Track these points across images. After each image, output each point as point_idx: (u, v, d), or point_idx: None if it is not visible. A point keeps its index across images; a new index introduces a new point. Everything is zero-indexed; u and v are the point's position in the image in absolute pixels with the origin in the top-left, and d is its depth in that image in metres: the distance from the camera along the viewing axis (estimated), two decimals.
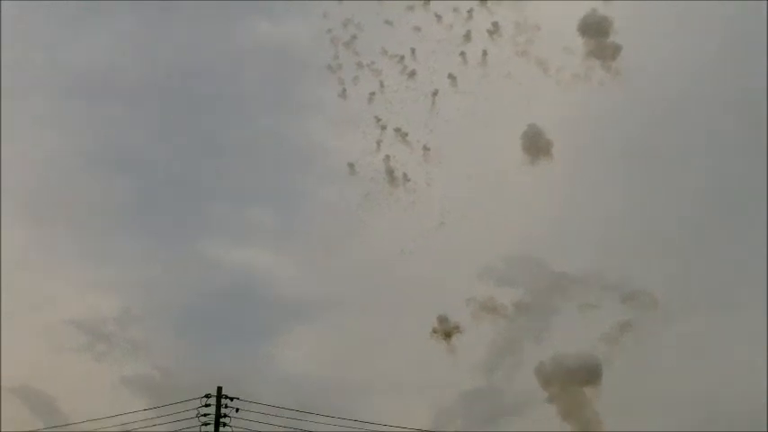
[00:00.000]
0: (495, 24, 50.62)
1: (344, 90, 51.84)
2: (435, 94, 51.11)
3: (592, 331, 47.13)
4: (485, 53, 50.70)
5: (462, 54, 50.90)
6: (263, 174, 63.75)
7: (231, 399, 36.50)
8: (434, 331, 48.95)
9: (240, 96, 64.47)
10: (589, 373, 46.36)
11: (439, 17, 50.91)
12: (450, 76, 51.03)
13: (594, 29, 49.96)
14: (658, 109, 54.01)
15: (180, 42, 64.49)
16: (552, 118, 50.26)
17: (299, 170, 62.36)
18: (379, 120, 51.69)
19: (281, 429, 36.60)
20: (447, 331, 48.88)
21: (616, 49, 49.36)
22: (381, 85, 51.54)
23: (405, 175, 51.51)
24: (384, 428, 36.92)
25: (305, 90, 60.81)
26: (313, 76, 57.30)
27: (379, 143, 51.63)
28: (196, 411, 36.35)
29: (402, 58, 51.50)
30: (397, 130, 51.80)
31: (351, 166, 51.93)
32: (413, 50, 51.18)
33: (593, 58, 49.56)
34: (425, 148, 51.46)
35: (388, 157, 51.52)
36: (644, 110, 53.79)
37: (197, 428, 36.30)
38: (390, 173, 51.46)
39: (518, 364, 48.21)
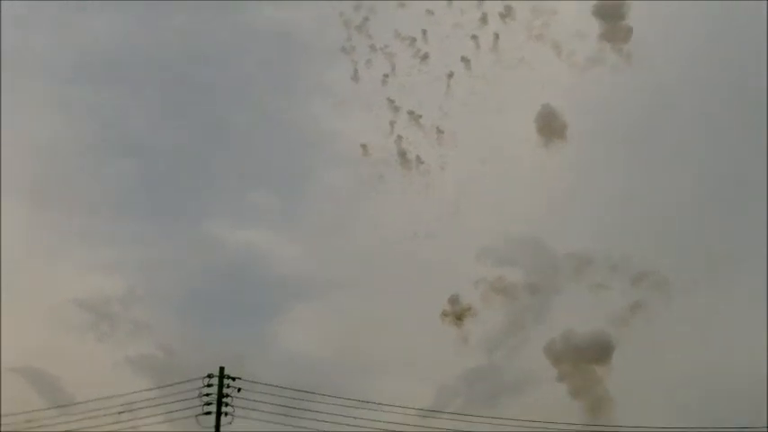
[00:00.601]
0: (508, 8, 50.27)
1: (357, 72, 51.69)
2: (450, 76, 50.94)
3: (600, 311, 47.25)
4: (497, 36, 50.35)
5: (475, 37, 50.54)
6: (269, 155, 63.17)
7: (233, 378, 36.37)
8: (445, 314, 48.58)
9: (248, 79, 63.93)
10: (599, 352, 46.06)
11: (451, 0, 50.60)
12: (464, 59, 50.69)
13: (610, 12, 49.44)
14: (667, 92, 53.34)
15: (184, 26, 64.16)
16: (564, 101, 50.00)
17: (306, 152, 61.94)
18: (392, 102, 51.66)
19: (283, 409, 36.46)
20: (458, 314, 48.43)
21: (628, 32, 48.89)
22: (394, 67, 51.44)
23: (418, 157, 51.53)
24: (385, 408, 36.72)
25: (315, 73, 60.30)
26: (324, 59, 57.01)
27: (392, 124, 51.50)
28: (198, 391, 36.14)
29: (414, 40, 51.21)
30: (411, 112, 51.71)
31: (363, 147, 51.74)
32: (424, 32, 50.97)
33: (605, 41, 49.14)
34: (439, 131, 51.42)
35: (400, 138, 51.40)
36: (653, 93, 53.23)
37: (199, 408, 36.05)
38: (403, 155, 51.32)
39: (526, 344, 47.98)
